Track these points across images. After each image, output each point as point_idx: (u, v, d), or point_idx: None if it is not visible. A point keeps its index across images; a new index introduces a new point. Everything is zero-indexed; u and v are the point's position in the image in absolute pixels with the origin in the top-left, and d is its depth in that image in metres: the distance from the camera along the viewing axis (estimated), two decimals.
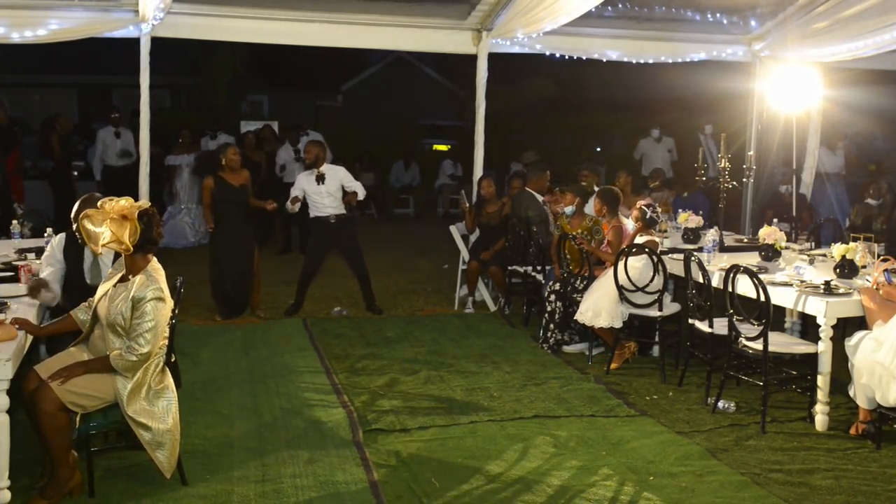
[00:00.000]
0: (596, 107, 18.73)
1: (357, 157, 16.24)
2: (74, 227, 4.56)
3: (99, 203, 3.94)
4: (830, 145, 10.80)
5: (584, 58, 9.29)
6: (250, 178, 7.78)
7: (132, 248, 3.90)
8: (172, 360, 4.21)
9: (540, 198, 8.09)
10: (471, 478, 4.34)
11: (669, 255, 6.45)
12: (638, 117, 16.57)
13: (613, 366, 6.28)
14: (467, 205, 8.51)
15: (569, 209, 7.02)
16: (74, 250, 4.91)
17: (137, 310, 3.86)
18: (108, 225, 3.84)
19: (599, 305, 6.22)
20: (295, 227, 11.37)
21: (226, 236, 7.59)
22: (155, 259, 4.10)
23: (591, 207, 7.07)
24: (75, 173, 11.91)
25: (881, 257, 5.36)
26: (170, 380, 4.12)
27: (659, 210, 6.65)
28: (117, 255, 4.56)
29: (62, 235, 5.00)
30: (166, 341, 4.12)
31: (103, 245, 3.86)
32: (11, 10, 7.37)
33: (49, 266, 4.88)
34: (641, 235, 6.42)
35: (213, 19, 8.06)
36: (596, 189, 7.29)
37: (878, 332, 4.76)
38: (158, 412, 3.98)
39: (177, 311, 4.24)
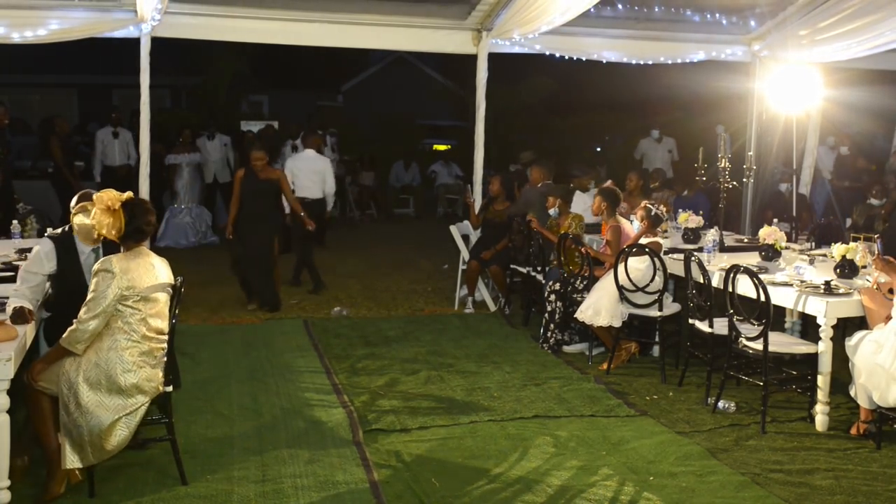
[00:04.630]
0: (596, 107, 18.72)
1: (357, 157, 16.25)
2: (69, 226, 4.57)
3: (94, 196, 4.07)
4: (833, 144, 10.80)
5: (583, 59, 9.28)
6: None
7: (121, 237, 3.99)
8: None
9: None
10: (471, 478, 4.34)
11: (670, 255, 6.44)
12: (638, 117, 16.58)
13: (610, 366, 6.26)
14: (472, 200, 8.53)
15: (552, 211, 7.05)
16: (67, 252, 4.57)
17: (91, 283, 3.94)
18: (96, 216, 3.95)
19: (600, 304, 6.22)
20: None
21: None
22: (145, 248, 4.10)
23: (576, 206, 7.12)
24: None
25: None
26: (146, 397, 3.97)
27: (663, 209, 6.65)
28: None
29: (49, 243, 4.55)
30: (145, 332, 3.99)
31: (97, 237, 3.98)
32: (11, 10, 7.36)
33: (27, 281, 4.45)
34: (646, 236, 6.41)
35: (213, 19, 8.06)
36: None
37: (877, 334, 4.75)
38: (104, 405, 3.83)
39: (177, 311, 4.24)
